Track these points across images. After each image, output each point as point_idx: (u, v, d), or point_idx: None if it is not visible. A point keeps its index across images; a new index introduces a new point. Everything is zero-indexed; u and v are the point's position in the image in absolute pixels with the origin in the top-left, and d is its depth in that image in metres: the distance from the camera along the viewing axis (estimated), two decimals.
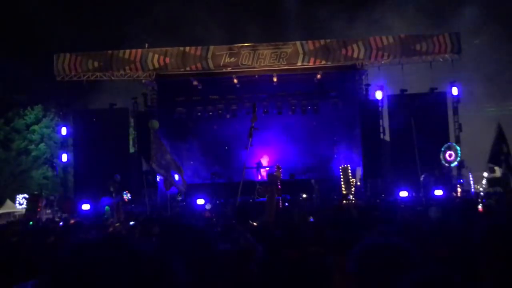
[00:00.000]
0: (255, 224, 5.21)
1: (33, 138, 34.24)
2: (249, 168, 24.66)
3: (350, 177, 20.85)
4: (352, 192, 20.34)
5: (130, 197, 20.37)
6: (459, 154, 18.35)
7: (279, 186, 18.31)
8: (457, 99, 23.16)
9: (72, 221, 11.59)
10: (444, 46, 22.63)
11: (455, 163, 18.34)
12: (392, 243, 1.86)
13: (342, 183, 21.06)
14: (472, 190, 16.68)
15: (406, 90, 23.14)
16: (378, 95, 22.90)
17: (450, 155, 18.58)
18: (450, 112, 23.14)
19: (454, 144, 19.21)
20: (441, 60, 23.19)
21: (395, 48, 22.75)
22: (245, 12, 32.43)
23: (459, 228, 3.63)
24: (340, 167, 21.50)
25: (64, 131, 24.27)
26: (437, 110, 22.57)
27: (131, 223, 10.46)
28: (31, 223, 11.96)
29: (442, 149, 18.69)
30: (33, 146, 34.02)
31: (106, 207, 17.41)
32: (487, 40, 32.56)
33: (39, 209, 17.93)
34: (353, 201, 17.82)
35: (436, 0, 32.95)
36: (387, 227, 3.86)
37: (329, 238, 3.08)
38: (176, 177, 12.19)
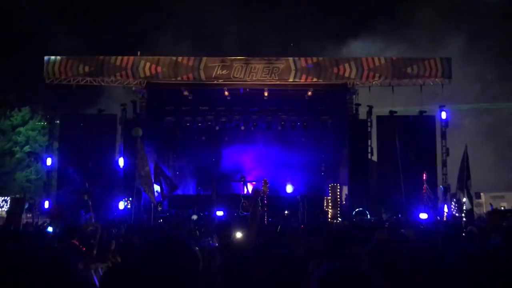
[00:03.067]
0: (236, 238, 5.10)
1: (19, 140, 33.76)
2: (236, 181, 24.61)
3: (338, 196, 20.86)
4: (338, 212, 20.32)
5: (127, 205, 20.30)
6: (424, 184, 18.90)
7: (265, 201, 18.25)
8: (445, 123, 23.33)
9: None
10: (435, 71, 22.86)
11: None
12: (353, 268, 1.88)
13: (329, 201, 21.05)
14: (458, 214, 16.68)
15: (395, 112, 23.23)
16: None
17: None
18: (438, 136, 23.31)
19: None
20: (431, 84, 23.39)
21: (386, 69, 22.93)
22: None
23: (436, 252, 3.55)
24: (330, 186, 21.50)
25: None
26: (426, 133, 22.68)
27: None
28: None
29: None
30: (17, 148, 33.55)
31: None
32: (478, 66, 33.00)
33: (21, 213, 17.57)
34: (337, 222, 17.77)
35: (429, 24, 33.35)
36: (361, 247, 3.79)
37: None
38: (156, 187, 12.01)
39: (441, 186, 22.20)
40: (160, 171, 15.16)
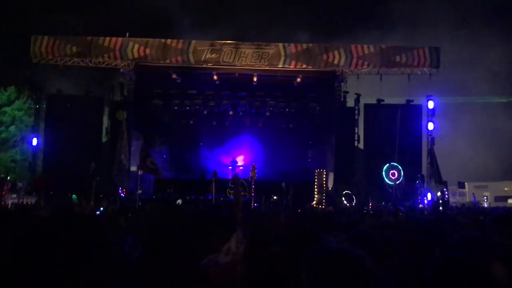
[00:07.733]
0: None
1: (4, 120, 33.33)
2: (224, 166, 24.63)
3: (324, 182, 20.98)
4: (324, 198, 20.46)
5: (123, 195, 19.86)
6: (402, 173, 19.32)
7: (253, 186, 18.31)
8: (432, 112, 23.50)
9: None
10: (423, 60, 22.96)
11: (399, 181, 19.11)
12: (344, 249, 1.86)
13: (315, 186, 21.18)
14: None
15: (383, 100, 23.36)
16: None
17: (393, 174, 19.42)
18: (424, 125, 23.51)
19: (395, 164, 19.89)
20: (419, 73, 23.49)
21: (375, 57, 22.97)
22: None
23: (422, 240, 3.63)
24: (316, 171, 21.61)
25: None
26: (412, 122, 22.86)
27: (97, 213, 10.30)
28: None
29: (385, 169, 19.58)
30: (3, 128, 33.14)
31: (74, 196, 17.13)
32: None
33: (4, 193, 17.49)
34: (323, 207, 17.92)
35: (418, 13, 33.40)
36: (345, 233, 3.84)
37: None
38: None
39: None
40: (147, 155, 15.04)
